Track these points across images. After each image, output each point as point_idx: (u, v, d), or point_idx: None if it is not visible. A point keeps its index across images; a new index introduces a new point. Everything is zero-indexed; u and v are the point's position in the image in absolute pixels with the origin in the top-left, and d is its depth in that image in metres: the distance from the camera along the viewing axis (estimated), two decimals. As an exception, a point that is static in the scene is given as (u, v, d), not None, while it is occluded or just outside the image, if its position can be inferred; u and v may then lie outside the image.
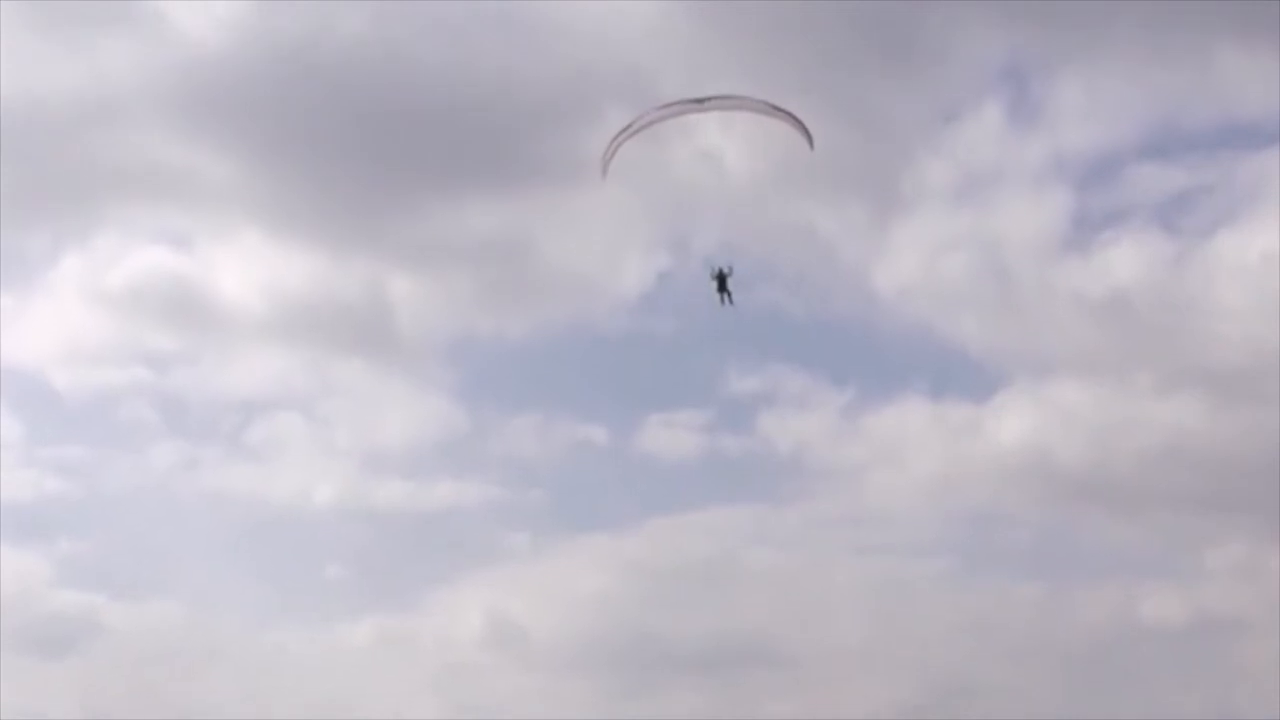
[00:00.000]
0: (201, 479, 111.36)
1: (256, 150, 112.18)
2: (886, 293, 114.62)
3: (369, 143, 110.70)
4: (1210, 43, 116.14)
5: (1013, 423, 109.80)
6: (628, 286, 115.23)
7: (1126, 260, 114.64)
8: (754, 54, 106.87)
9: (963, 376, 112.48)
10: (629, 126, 50.10)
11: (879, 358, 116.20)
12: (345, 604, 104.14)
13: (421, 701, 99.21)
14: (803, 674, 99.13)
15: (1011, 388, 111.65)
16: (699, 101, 49.37)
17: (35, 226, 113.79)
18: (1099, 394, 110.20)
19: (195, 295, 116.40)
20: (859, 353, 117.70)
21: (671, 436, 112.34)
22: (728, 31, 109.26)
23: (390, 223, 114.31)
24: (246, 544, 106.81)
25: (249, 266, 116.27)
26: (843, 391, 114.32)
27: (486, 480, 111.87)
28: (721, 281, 55.97)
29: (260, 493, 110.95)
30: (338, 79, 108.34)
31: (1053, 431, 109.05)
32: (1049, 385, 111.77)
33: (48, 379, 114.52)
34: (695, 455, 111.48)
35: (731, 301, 56.28)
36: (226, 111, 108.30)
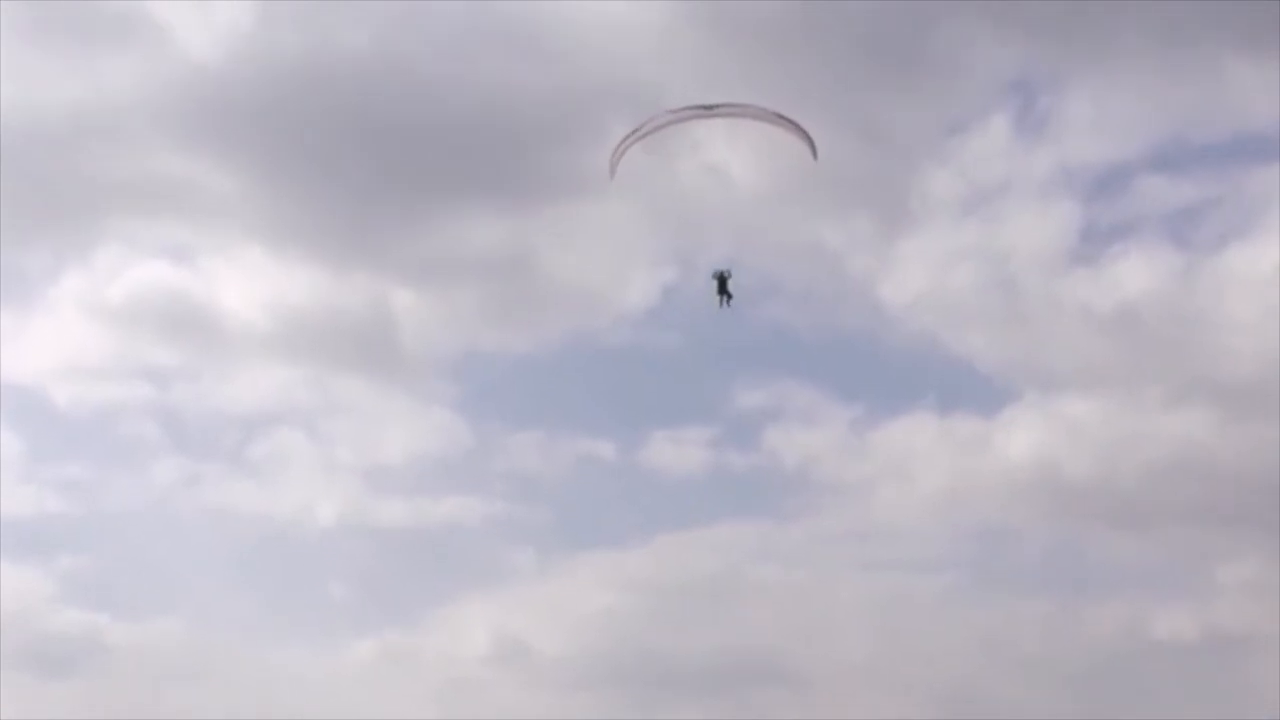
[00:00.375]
0: (203, 496, 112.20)
1: (258, 164, 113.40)
2: (894, 306, 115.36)
3: (371, 156, 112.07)
4: (1219, 55, 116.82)
5: (1021, 437, 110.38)
6: (633, 301, 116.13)
7: (1135, 274, 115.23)
8: (760, 67, 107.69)
9: (970, 391, 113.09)
10: (638, 129, 50.95)
11: (886, 372, 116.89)
12: (349, 621, 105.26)
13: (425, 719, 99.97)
14: (810, 690, 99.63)
15: (1020, 402, 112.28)
16: (707, 108, 50.28)
17: (35, 241, 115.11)
18: (1108, 408, 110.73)
19: (197, 310, 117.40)
20: (866, 367, 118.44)
21: (678, 452, 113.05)
22: (733, 45, 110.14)
23: (393, 237, 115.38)
24: (249, 561, 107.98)
25: (251, 281, 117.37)
26: (850, 406, 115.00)
27: (491, 496, 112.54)
28: (722, 283, 56.92)
29: (263, 510, 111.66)
30: (340, 92, 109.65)
31: (1061, 446, 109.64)
32: (1057, 399, 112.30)
33: (48, 395, 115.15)
34: (701, 471, 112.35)
35: (730, 303, 57.11)
36: (228, 125, 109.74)
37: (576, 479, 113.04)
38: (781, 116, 50.86)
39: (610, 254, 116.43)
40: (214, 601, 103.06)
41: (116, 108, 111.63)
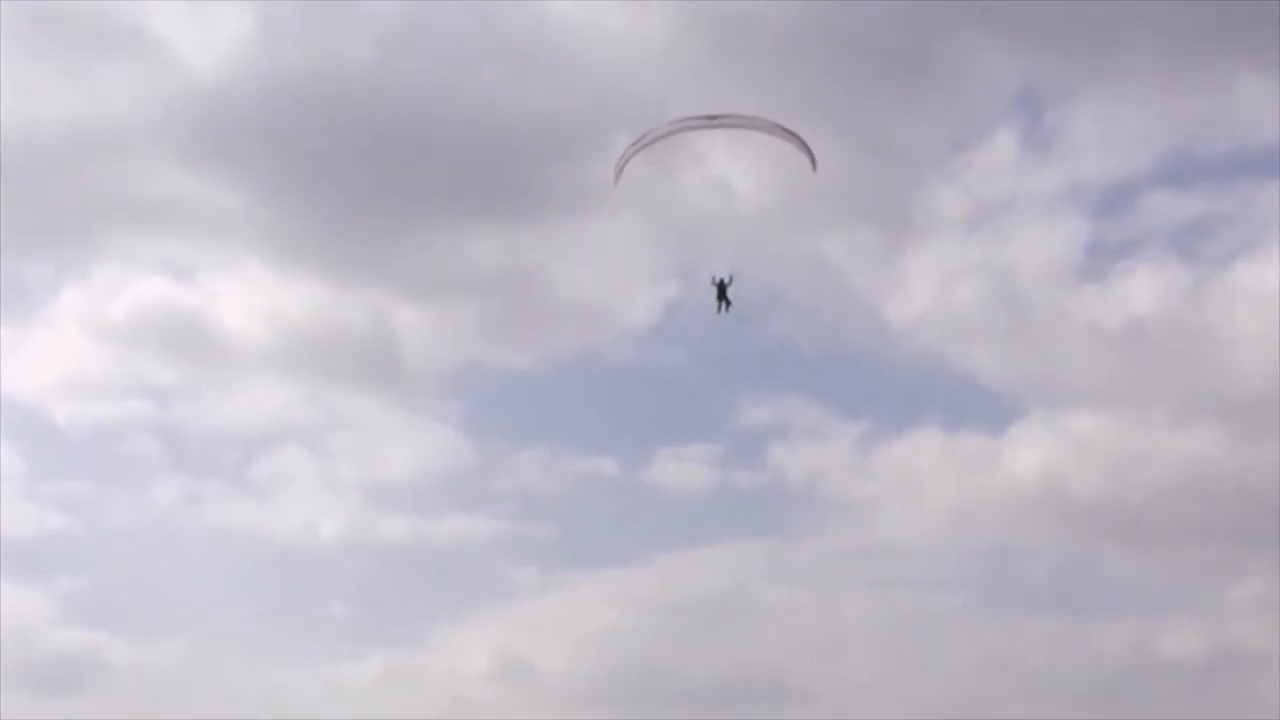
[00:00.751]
0: (205, 514, 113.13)
1: (260, 180, 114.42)
2: (899, 323, 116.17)
3: (373, 172, 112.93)
4: (1227, 70, 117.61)
5: (1028, 454, 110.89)
6: (636, 317, 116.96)
7: (1143, 289, 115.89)
8: (764, 82, 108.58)
9: (977, 408, 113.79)
10: (641, 138, 52.06)
11: (892, 389, 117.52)
12: (351, 640, 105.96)
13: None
14: (815, 708, 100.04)
15: (1027, 419, 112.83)
16: (710, 118, 51.39)
17: (36, 257, 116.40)
18: (1116, 425, 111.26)
19: (197, 327, 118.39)
20: (872, 384, 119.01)
21: (682, 469, 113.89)
22: (738, 60, 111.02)
23: (395, 253, 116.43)
24: (251, 579, 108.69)
25: (252, 298, 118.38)
26: (855, 423, 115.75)
27: (494, 514, 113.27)
28: (721, 289, 58.03)
29: (264, 528, 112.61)
30: (342, 108, 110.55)
31: (1069, 463, 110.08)
32: (1065, 416, 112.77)
33: (48, 412, 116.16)
34: (706, 488, 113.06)
35: (729, 309, 58.21)
36: (230, 141, 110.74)
37: (580, 497, 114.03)
38: (784, 128, 51.98)
39: (613, 270, 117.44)
40: (215, 620, 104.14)
41: (117, 123, 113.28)
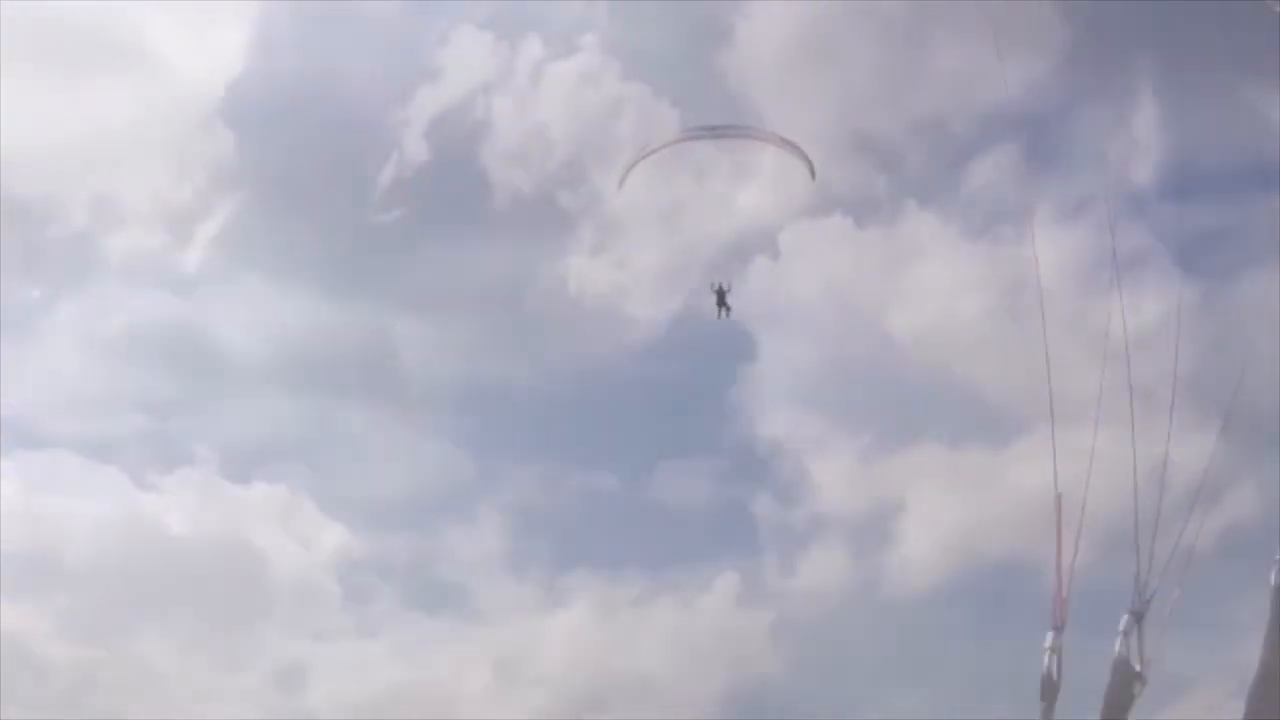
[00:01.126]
0: (203, 528, 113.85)
1: (258, 192, 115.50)
2: (902, 336, 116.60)
3: (373, 184, 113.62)
4: (1233, 80, 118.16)
5: (1034, 469, 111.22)
6: (638, 330, 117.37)
7: (1149, 301, 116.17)
8: (765, 94, 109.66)
9: (981, 421, 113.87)
10: (644, 149, 53.58)
11: (895, 403, 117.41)
12: (349, 655, 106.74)
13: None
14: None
15: (1032, 433, 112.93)
16: (711, 129, 52.94)
17: (31, 272, 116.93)
18: (1122, 439, 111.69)
19: (195, 340, 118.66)
20: (874, 398, 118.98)
21: (683, 484, 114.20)
22: (737, 69, 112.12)
23: (394, 266, 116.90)
24: (250, 596, 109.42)
25: (250, 311, 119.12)
26: (858, 438, 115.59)
27: (492, 529, 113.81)
28: (721, 296, 59.61)
29: (262, 542, 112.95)
30: (341, 120, 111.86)
31: (1074, 477, 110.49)
32: (1071, 430, 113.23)
33: (45, 426, 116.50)
34: (708, 503, 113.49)
35: (729, 314, 59.81)
36: (226, 153, 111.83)
37: (581, 512, 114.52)
38: (783, 139, 53.50)
39: (616, 283, 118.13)
40: (213, 635, 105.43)
41: (113, 135, 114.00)
